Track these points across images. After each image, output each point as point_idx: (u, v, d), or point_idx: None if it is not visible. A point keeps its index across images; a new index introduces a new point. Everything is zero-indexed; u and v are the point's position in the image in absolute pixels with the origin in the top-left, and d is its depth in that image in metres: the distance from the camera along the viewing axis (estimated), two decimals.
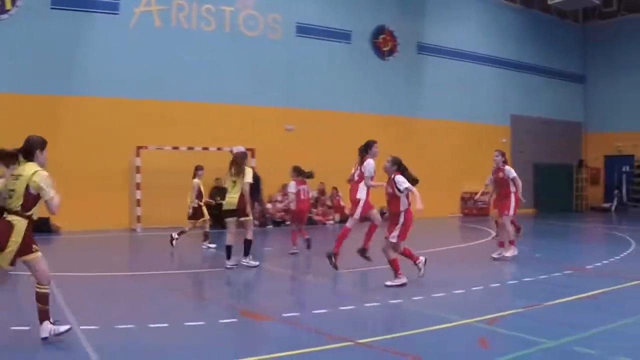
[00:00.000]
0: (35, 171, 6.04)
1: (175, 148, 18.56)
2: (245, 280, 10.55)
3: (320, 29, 22.26)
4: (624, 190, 30.48)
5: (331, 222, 21.15)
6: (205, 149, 18.82)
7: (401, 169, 9.04)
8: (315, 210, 20.87)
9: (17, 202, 6.00)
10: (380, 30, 23.81)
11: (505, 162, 12.55)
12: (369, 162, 10.50)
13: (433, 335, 6.46)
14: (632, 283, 9.46)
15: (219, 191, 17.02)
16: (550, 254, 13.60)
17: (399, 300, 8.20)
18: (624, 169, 30.78)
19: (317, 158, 20.16)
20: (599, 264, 11.55)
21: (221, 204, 11.80)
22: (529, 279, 9.86)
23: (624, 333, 6.64)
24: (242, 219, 11.13)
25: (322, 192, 21.50)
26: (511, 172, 12.24)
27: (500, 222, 12.46)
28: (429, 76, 25.18)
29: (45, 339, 6.04)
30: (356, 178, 10.87)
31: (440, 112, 25.05)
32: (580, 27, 32.64)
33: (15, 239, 5.94)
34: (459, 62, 26.10)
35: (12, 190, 6.02)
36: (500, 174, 12.37)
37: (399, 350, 5.89)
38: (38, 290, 6.12)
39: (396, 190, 9.05)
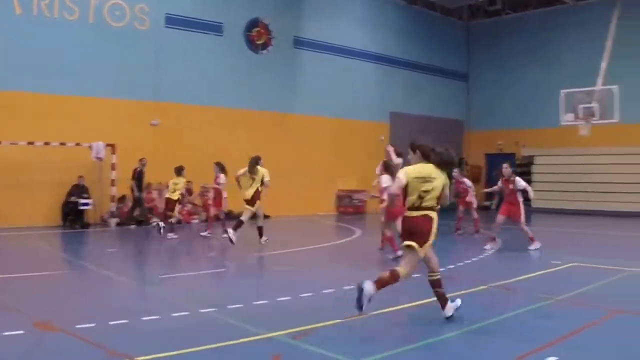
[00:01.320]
0: None
1: (31, 143, 19.02)
2: (61, 284, 10.53)
3: (190, 20, 23.24)
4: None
5: (196, 221, 22.02)
6: (63, 144, 19.55)
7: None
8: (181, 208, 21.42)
9: None
10: (254, 23, 25.08)
11: (514, 173, 15.08)
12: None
13: (215, 353, 6.32)
14: (473, 290, 9.70)
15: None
16: None
17: (210, 310, 8.08)
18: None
19: (184, 154, 21.26)
20: (452, 265, 11.93)
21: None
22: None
23: (444, 348, 6.76)
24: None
25: (189, 191, 22.10)
26: (520, 182, 14.60)
27: (520, 227, 14.63)
28: (305, 71, 26.76)
29: (451, 316, 7.54)
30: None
31: (316, 108, 26.73)
32: (464, 25, 34.78)
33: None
34: (337, 57, 27.85)
35: None
36: (511, 186, 14.59)
37: None
38: (434, 277, 7.58)
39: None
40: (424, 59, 31.94)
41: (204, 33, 23.59)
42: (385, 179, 12.79)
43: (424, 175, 7.51)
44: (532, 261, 13.56)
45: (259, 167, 15.31)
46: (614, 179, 27.98)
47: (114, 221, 20.29)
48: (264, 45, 25.34)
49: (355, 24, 28.87)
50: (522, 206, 14.56)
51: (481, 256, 13.70)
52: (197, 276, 11.36)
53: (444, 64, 33.24)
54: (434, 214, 7.44)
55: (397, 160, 13.22)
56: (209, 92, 23.46)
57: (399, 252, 11.45)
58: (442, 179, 7.57)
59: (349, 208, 27.18)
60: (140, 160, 20.12)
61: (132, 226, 20.11)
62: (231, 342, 6.57)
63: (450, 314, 7.52)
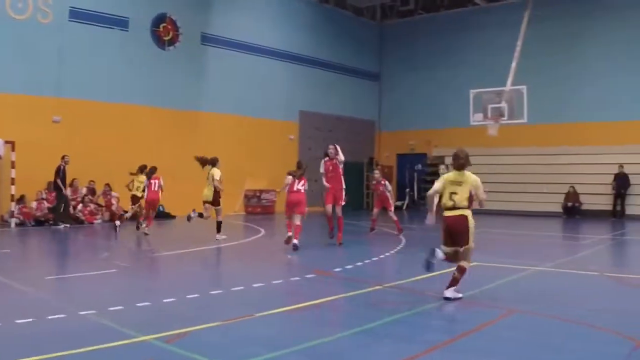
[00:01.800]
0: None
1: None
2: None
3: (95, 14, 23.28)
4: (415, 189, 33.55)
5: (99, 221, 22.05)
6: None
7: None
8: (82, 208, 21.53)
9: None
10: (161, 19, 25.37)
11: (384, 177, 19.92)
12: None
13: (76, 358, 6.06)
14: (367, 290, 9.89)
15: None
16: (308, 256, 13.88)
17: (89, 312, 7.92)
18: (416, 168, 33.89)
19: (87, 153, 21.29)
20: (351, 266, 12.14)
21: None
22: (259, 285, 9.94)
23: (329, 350, 6.64)
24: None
25: (91, 190, 22.13)
26: (388, 186, 19.38)
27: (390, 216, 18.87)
28: (213, 68, 27.28)
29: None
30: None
31: (224, 106, 27.30)
32: (377, 25, 35.60)
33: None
34: (246, 54, 28.52)
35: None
36: (381, 188, 19.27)
37: None
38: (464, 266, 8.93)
39: None
40: (335, 58, 32.90)
41: (109, 28, 23.64)
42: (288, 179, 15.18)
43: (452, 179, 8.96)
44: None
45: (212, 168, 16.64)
46: (524, 179, 29.61)
47: (13, 221, 20.15)
48: (171, 42, 25.63)
49: (265, 21, 29.56)
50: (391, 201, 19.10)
51: (382, 256, 14.10)
52: (85, 277, 11.14)
53: (355, 63, 34.21)
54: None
55: (342, 157, 15.63)
56: (113, 88, 23.56)
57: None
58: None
59: (258, 208, 27.78)
60: (63, 157, 20.41)
61: (62, 226, 20.14)
62: (99, 347, 6.38)
63: (449, 295, 8.84)
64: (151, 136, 24.03)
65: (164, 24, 25.33)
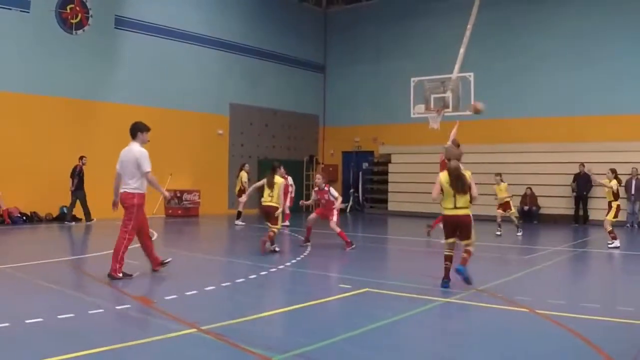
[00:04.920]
0: None
1: None
2: None
3: None
4: (360, 190, 31.28)
5: None
6: None
7: None
8: None
9: None
10: (68, 0, 22.46)
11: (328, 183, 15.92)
12: None
13: None
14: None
15: None
16: (186, 269, 11.94)
17: None
18: (363, 166, 31.65)
19: None
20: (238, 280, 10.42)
21: None
22: (64, 317, 7.57)
23: None
24: None
25: None
26: (333, 192, 15.42)
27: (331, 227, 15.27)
28: (128, 55, 24.59)
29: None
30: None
31: (140, 97, 24.46)
32: (322, 12, 33.21)
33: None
34: (167, 40, 25.88)
35: None
36: (325, 196, 15.34)
37: None
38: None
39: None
40: (273, 47, 30.33)
41: (6, 8, 21.01)
42: None
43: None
44: (321, 284, 11.22)
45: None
46: (475, 179, 26.63)
47: None
48: (80, 25, 22.95)
49: (190, 3, 26.92)
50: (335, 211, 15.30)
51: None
52: None
53: (297, 53, 31.70)
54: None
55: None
56: (9, 76, 20.95)
57: None
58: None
59: (179, 210, 25.16)
60: (81, 158, 21.22)
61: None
62: None
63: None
64: (46, 129, 21.67)
65: (72, 5, 22.60)
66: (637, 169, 23.13)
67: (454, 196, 9.80)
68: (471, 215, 9.99)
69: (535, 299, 9.03)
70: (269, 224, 14.16)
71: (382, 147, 31.35)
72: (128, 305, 8.31)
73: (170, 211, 25.19)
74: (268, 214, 14.21)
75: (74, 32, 22.74)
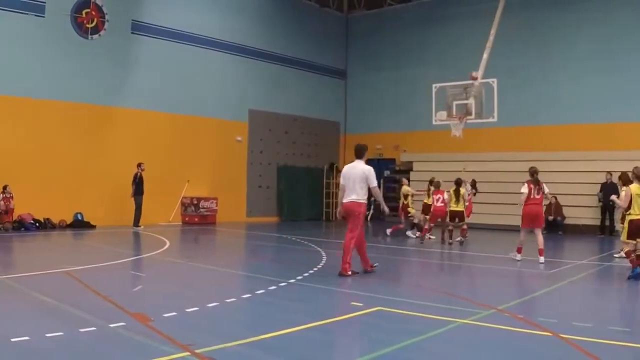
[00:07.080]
0: None
1: None
2: None
3: None
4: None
5: None
6: None
7: None
8: None
9: None
10: (84, 4, 22.36)
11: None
12: None
13: None
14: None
15: None
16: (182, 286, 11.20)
17: None
18: (385, 174, 31.09)
19: None
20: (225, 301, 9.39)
21: None
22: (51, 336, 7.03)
23: None
24: None
25: None
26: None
27: None
28: (145, 61, 24.22)
29: None
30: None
31: (157, 103, 24.20)
32: (343, 17, 32.73)
33: None
34: (185, 45, 25.50)
35: None
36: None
37: None
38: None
39: None
40: (294, 53, 29.86)
41: (22, 13, 20.75)
42: None
43: None
44: (330, 300, 10.41)
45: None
46: (497, 188, 25.93)
47: None
48: (96, 30, 22.63)
49: (210, 8, 26.51)
50: None
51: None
52: None
53: (318, 59, 31.21)
54: None
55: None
56: (24, 81, 20.72)
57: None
58: None
59: (195, 217, 24.69)
60: (139, 165, 21.70)
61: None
62: None
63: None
64: (64, 134, 21.41)
65: (87, 10, 22.32)
66: None
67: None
68: None
69: (559, 320, 8.33)
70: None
71: (404, 155, 30.76)
72: (123, 323, 7.76)
73: (187, 218, 24.79)
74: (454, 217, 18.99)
75: (89, 36, 22.45)
